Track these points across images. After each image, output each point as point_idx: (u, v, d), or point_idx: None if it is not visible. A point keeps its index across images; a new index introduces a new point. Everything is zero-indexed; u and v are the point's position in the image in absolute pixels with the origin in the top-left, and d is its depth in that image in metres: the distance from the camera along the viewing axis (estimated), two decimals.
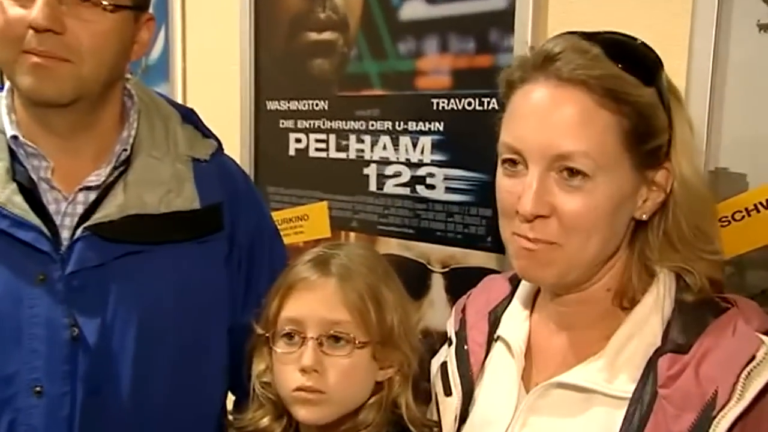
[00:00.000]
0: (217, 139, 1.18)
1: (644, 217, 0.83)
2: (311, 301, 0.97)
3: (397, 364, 0.99)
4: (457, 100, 1.37)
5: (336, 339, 0.95)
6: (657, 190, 0.83)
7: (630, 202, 0.82)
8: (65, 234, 1.00)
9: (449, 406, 0.96)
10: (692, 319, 0.80)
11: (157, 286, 1.03)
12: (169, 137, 1.10)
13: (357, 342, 0.95)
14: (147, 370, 1.02)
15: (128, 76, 1.12)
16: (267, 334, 1.00)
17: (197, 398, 1.09)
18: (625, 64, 0.79)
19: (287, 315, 0.98)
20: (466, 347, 0.97)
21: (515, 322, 0.94)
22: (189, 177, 1.08)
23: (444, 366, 0.99)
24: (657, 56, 0.83)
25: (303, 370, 0.95)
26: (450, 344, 1.01)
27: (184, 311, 1.06)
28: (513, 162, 0.83)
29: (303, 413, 0.96)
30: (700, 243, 0.82)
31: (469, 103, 1.36)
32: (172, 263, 1.05)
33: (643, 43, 0.84)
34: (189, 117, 1.16)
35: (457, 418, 0.94)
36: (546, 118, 0.79)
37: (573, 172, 0.78)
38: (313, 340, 0.95)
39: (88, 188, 1.03)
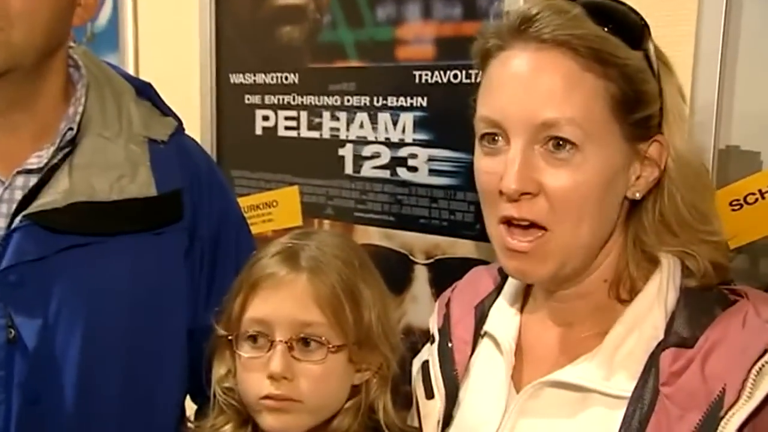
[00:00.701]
0: (177, 118, 1.17)
1: (637, 195, 0.84)
2: (279, 300, 0.96)
3: (375, 366, 0.99)
4: (441, 72, 1.37)
5: (307, 342, 0.95)
6: (650, 166, 0.84)
7: (622, 179, 0.83)
8: (1, 223, 0.98)
9: (431, 411, 0.96)
10: (698, 310, 0.80)
11: (107, 283, 1.02)
12: (122, 115, 1.08)
13: (331, 346, 0.95)
14: (94, 376, 1.01)
15: (73, 44, 1.10)
16: (229, 336, 0.99)
17: (151, 407, 1.08)
18: (609, 24, 0.80)
19: (252, 315, 0.97)
20: (450, 345, 0.97)
21: (504, 316, 0.94)
22: (144, 160, 1.07)
23: (425, 366, 0.99)
24: (643, 19, 0.84)
25: (271, 377, 0.94)
26: (432, 342, 1.01)
27: (138, 311, 1.04)
28: (493, 137, 0.83)
29: (272, 422, 0.95)
30: (698, 224, 0.84)
31: (455, 76, 1.35)
32: (125, 257, 1.03)
33: (627, 6, 0.84)
34: (145, 92, 1.15)
35: (440, 423, 0.94)
36: (527, 85, 0.80)
37: (560, 143, 0.79)
38: (282, 344, 0.94)
39: (28, 171, 1.01)
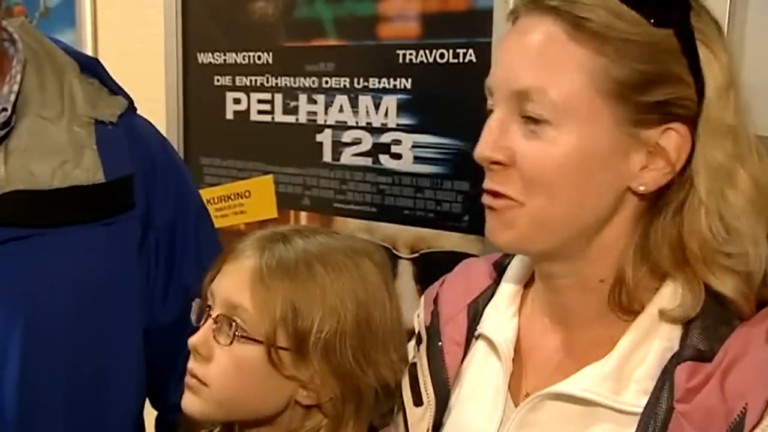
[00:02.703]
0: (127, 97, 1.14)
1: (641, 188, 0.80)
2: (226, 274, 0.95)
3: (326, 394, 0.94)
4: (427, 52, 1.37)
5: (230, 325, 0.93)
6: (662, 158, 0.79)
7: (614, 165, 0.78)
8: None
9: (420, 419, 0.94)
10: (716, 319, 0.77)
11: (50, 280, 0.99)
12: (63, 93, 1.06)
13: (240, 331, 0.92)
14: (37, 386, 0.98)
15: (23, 18, 1.06)
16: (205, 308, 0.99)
17: (105, 415, 1.06)
18: None
19: (208, 286, 0.97)
20: (440, 343, 0.95)
21: (501, 317, 0.92)
22: (90, 143, 1.04)
23: (413, 369, 0.97)
24: None
25: (191, 350, 0.94)
26: (419, 342, 0.99)
27: (85, 310, 1.02)
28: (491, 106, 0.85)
29: (183, 399, 0.95)
30: (722, 245, 0.77)
31: (442, 56, 1.36)
32: (70, 250, 1.00)
33: None
34: (92, 69, 1.12)
35: (429, 431, 0.92)
36: (514, 51, 0.81)
37: (531, 114, 0.79)
38: (210, 319, 0.94)
39: None
